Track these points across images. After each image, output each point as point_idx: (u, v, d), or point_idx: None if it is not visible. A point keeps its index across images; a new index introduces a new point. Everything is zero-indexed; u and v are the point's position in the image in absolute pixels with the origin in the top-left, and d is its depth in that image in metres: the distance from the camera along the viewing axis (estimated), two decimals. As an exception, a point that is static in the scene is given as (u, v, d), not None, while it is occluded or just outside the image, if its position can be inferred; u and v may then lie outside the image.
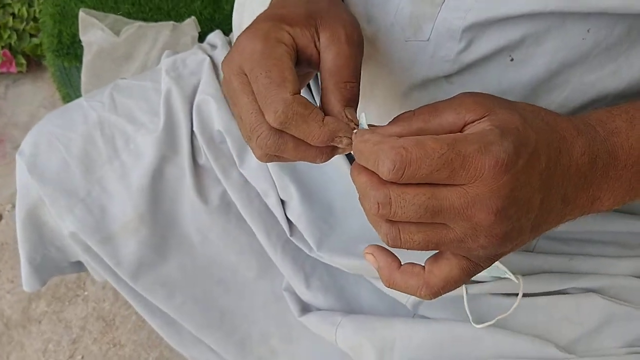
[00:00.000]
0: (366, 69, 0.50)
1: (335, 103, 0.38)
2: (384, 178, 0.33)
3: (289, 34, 0.39)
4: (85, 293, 1.24)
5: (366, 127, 0.37)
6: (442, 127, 0.35)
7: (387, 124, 0.37)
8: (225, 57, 0.40)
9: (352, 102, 0.39)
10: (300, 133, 0.37)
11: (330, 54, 0.39)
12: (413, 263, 0.39)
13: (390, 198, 0.33)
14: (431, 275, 0.37)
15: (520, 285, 0.43)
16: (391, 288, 0.39)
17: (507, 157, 0.32)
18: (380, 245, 0.40)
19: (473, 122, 0.34)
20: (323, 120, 0.37)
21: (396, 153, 0.32)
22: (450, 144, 0.32)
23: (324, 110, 0.39)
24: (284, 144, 0.38)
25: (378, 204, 0.33)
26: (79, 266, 0.74)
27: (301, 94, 0.37)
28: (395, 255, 0.40)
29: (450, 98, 0.36)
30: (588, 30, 0.41)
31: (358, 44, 0.40)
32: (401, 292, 0.39)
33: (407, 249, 0.35)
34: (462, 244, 0.34)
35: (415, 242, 0.35)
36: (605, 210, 0.40)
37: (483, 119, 0.34)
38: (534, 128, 0.35)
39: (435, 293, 0.38)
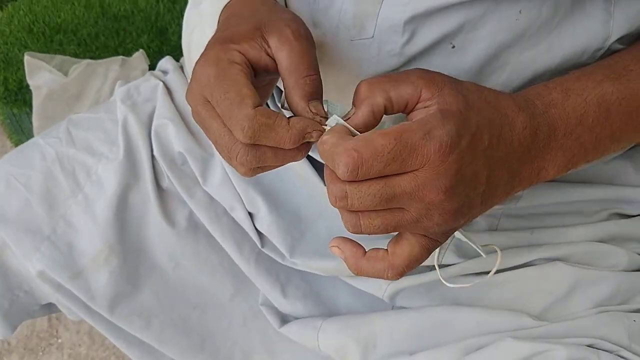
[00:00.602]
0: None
1: (298, 101, 0.40)
2: (341, 179, 0.36)
3: (238, 51, 0.40)
4: (59, 340, 1.21)
5: (338, 118, 0.39)
6: (402, 97, 0.38)
7: (355, 108, 0.39)
8: (187, 90, 0.41)
9: (315, 94, 0.40)
10: (271, 142, 0.38)
11: (282, 55, 0.40)
12: (377, 248, 0.41)
13: (346, 192, 0.36)
14: (394, 256, 0.40)
15: (482, 254, 0.45)
16: (360, 275, 0.41)
17: (450, 140, 0.35)
18: (344, 237, 0.42)
19: (425, 100, 0.37)
20: (289, 123, 0.38)
21: (348, 156, 0.35)
22: (397, 138, 0.35)
23: (291, 109, 0.40)
24: (262, 155, 0.39)
25: (335, 197, 0.37)
26: (49, 308, 0.72)
27: (267, 105, 0.39)
28: (360, 244, 0.42)
29: (406, 71, 0.39)
30: (520, 12, 0.43)
31: (307, 37, 0.41)
32: (370, 277, 0.41)
33: (369, 234, 0.38)
34: (419, 223, 0.37)
35: (375, 226, 0.37)
36: (551, 178, 0.43)
37: (431, 99, 0.37)
38: (475, 109, 0.37)
39: (401, 273, 0.40)
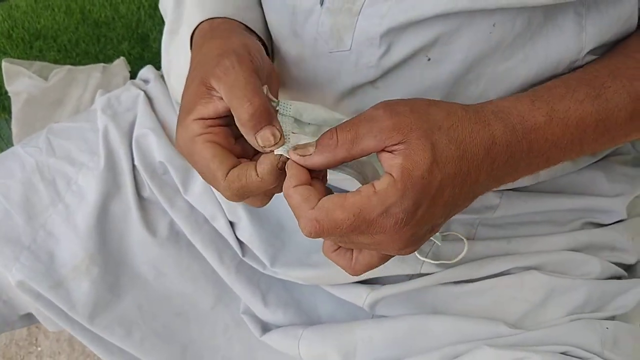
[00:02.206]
0: (297, 83, 0.53)
1: (247, 135, 0.41)
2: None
3: (195, 119, 0.42)
4: (39, 349, 1.20)
5: (284, 151, 0.40)
6: (364, 152, 0.39)
7: (313, 154, 0.39)
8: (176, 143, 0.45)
9: (258, 124, 0.40)
10: (251, 194, 0.42)
11: (223, 95, 0.41)
12: (345, 251, 0.44)
13: (311, 233, 0.38)
14: (357, 263, 0.43)
15: (439, 241, 0.49)
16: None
17: (405, 216, 0.37)
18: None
19: (391, 146, 0.38)
20: (258, 174, 0.40)
21: (311, 225, 0.37)
22: (356, 214, 0.37)
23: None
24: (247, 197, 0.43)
25: (303, 229, 0.39)
26: (29, 319, 0.72)
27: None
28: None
29: (371, 120, 0.39)
30: (494, 25, 0.44)
31: (235, 66, 0.41)
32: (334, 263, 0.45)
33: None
34: (380, 252, 0.42)
35: (343, 243, 0.42)
36: (510, 184, 0.46)
37: (398, 147, 0.38)
38: (441, 164, 0.38)
39: (359, 275, 0.44)
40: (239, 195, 0.41)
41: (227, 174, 0.41)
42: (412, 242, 0.40)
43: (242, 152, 0.44)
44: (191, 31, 0.51)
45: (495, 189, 0.53)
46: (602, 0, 0.45)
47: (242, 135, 0.43)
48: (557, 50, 0.46)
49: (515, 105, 0.43)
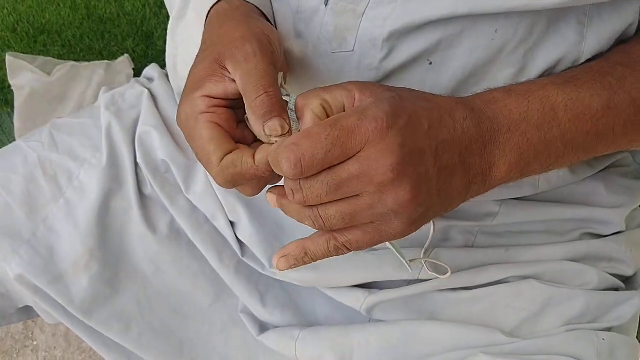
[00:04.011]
0: (299, 81, 0.53)
1: (254, 124, 0.41)
2: (290, 177, 0.37)
3: (203, 96, 0.42)
4: (35, 343, 1.20)
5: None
6: (337, 100, 0.39)
7: (299, 119, 0.40)
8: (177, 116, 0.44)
9: (269, 113, 0.40)
10: (244, 182, 0.41)
11: (237, 79, 0.41)
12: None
13: (300, 184, 0.37)
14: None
15: (409, 268, 0.49)
16: (311, 259, 0.42)
17: (385, 116, 0.36)
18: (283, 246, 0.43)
19: (360, 100, 0.38)
20: (255, 161, 0.40)
21: (289, 150, 0.36)
22: (332, 124, 0.36)
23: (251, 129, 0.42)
24: (240, 185, 0.42)
25: (292, 190, 0.38)
26: (26, 313, 0.72)
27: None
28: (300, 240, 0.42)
29: (341, 83, 0.40)
30: (496, 31, 0.45)
31: (256, 54, 0.41)
32: (320, 255, 0.41)
33: (331, 228, 0.39)
34: (374, 209, 0.37)
35: (334, 217, 0.38)
36: (505, 177, 0.43)
37: (366, 98, 0.38)
38: (410, 101, 0.38)
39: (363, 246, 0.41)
40: (232, 181, 0.41)
41: (222, 159, 0.40)
42: (406, 169, 0.36)
43: (242, 137, 0.43)
44: (210, 5, 0.50)
45: (495, 199, 0.52)
46: (605, 10, 0.46)
47: (244, 121, 0.43)
48: (556, 58, 0.47)
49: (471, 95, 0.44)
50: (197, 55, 0.46)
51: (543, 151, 0.43)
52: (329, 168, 0.36)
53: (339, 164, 0.36)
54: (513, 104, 0.42)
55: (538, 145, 0.43)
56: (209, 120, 0.41)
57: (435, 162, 0.38)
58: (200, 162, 0.42)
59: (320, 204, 0.38)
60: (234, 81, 0.42)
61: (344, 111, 0.39)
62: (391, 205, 0.37)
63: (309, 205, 0.38)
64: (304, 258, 0.41)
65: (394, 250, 0.47)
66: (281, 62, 0.45)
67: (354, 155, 0.36)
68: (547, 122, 0.43)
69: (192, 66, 0.45)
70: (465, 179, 0.41)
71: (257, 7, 0.51)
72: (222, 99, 0.42)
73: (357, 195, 0.37)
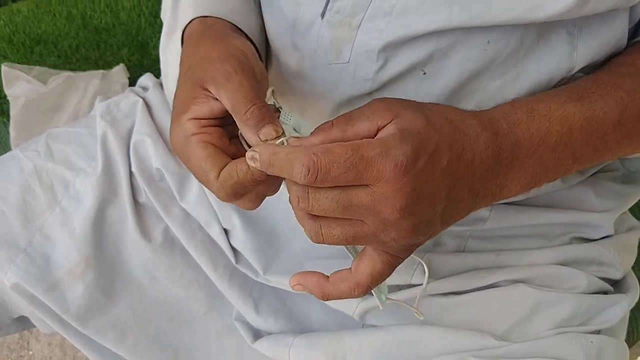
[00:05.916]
0: (295, 92, 0.54)
1: (249, 136, 0.42)
2: (299, 182, 0.37)
3: (190, 119, 0.43)
4: (30, 352, 1.19)
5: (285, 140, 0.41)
6: (357, 134, 0.39)
7: (309, 136, 0.40)
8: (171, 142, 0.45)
9: (262, 122, 0.41)
10: (244, 191, 0.42)
11: (222, 99, 0.42)
12: (339, 270, 0.42)
13: (307, 192, 0.37)
14: (358, 274, 0.41)
15: (379, 302, 0.48)
16: (329, 300, 0.43)
17: (405, 160, 0.36)
18: (303, 272, 0.44)
19: (384, 126, 0.38)
20: (250, 168, 0.40)
21: (308, 159, 0.36)
22: (354, 149, 0.36)
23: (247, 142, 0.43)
24: (240, 195, 0.43)
25: (298, 197, 0.38)
26: (22, 323, 0.72)
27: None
28: (321, 273, 0.43)
29: (364, 106, 0.40)
30: (488, 42, 0.46)
31: (237, 71, 0.42)
32: (339, 299, 0.43)
33: (329, 244, 0.39)
34: (377, 237, 0.38)
35: (335, 235, 0.39)
36: (513, 195, 0.44)
37: (391, 123, 0.38)
38: (436, 128, 0.38)
39: (366, 289, 0.42)
40: (233, 194, 0.41)
41: (219, 174, 0.41)
42: (414, 209, 0.37)
43: (237, 152, 0.44)
44: (183, 27, 0.51)
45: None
46: (594, 21, 0.46)
47: (236, 136, 0.44)
48: (549, 68, 0.47)
49: (496, 108, 0.44)
50: (178, 78, 0.47)
51: (553, 169, 0.44)
52: (342, 187, 0.37)
53: (350, 186, 0.37)
54: (535, 127, 0.42)
55: (550, 164, 0.44)
56: (202, 140, 0.42)
57: (445, 198, 0.39)
58: (200, 182, 0.43)
59: (324, 220, 0.39)
60: (217, 100, 0.42)
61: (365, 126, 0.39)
62: (394, 236, 0.38)
63: (311, 215, 0.39)
64: (318, 295, 0.43)
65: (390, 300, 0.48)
66: (262, 75, 0.45)
67: (367, 185, 0.36)
68: (563, 142, 0.43)
69: (176, 89, 0.46)
70: (472, 204, 0.42)
71: (232, 23, 0.52)
72: (210, 119, 0.43)
73: (361, 220, 0.38)
